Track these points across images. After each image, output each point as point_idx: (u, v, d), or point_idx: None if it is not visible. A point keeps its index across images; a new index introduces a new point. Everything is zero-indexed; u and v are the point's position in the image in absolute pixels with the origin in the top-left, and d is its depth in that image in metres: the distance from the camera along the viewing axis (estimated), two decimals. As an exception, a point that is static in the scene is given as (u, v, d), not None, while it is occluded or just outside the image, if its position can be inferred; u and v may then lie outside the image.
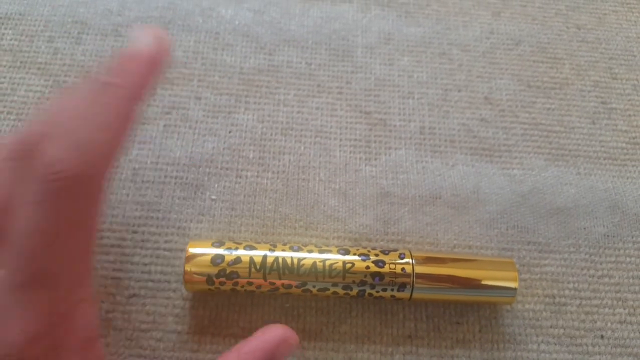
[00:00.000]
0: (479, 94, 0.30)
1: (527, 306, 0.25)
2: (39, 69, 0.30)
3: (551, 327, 0.25)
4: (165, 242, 0.25)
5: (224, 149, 0.28)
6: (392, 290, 0.23)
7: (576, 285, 0.26)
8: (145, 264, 0.25)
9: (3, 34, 0.31)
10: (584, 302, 0.25)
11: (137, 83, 0.17)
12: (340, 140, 0.29)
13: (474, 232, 0.27)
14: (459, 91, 0.30)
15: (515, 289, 0.23)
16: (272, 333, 0.20)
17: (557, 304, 0.25)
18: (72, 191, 0.15)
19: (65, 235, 0.15)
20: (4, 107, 0.28)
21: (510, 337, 0.25)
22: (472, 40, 0.32)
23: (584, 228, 0.27)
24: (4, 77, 0.29)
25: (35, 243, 0.15)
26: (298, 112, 0.29)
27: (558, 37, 0.33)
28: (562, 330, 0.25)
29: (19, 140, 0.16)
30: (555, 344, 0.24)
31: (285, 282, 0.23)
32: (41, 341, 0.15)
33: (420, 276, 0.23)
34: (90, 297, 0.17)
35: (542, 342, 0.24)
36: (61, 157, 0.15)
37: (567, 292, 0.26)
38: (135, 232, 0.25)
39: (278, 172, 0.28)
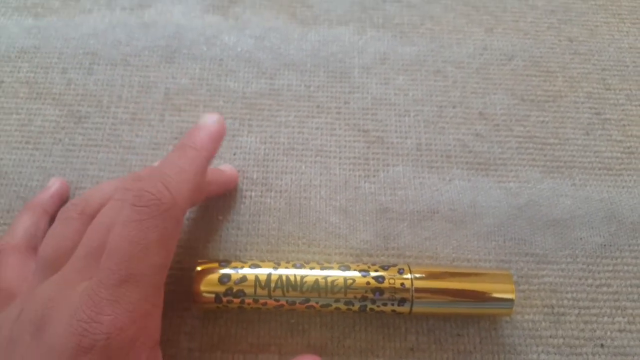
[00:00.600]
0: (473, 109, 0.31)
1: (526, 317, 0.26)
2: (54, 99, 0.31)
3: (551, 337, 0.25)
4: (176, 262, 0.26)
5: (229, 171, 0.29)
6: (393, 304, 0.24)
7: (574, 295, 0.26)
8: (156, 285, 0.26)
9: (20, 67, 0.32)
10: (582, 311, 0.26)
11: (207, 148, 0.23)
12: (340, 158, 0.29)
13: (472, 246, 0.27)
14: (454, 107, 0.31)
15: (512, 300, 0.24)
16: None
17: (556, 314, 0.26)
18: (161, 215, 0.19)
19: (154, 247, 0.19)
20: (22, 136, 0.30)
21: (510, 347, 0.25)
22: (465, 57, 0.33)
23: (581, 238, 0.27)
24: (22, 108, 0.31)
25: (131, 250, 0.19)
26: (299, 132, 0.30)
27: (551, 51, 0.33)
28: (561, 340, 0.25)
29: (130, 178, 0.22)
30: (555, 354, 0.25)
31: (289, 298, 0.23)
32: (125, 332, 0.18)
33: (419, 290, 0.24)
34: (161, 306, 0.20)
35: (542, 352, 0.25)
36: (159, 191, 0.19)
37: (565, 302, 0.26)
38: (146, 254, 0.26)
39: (281, 192, 0.28)
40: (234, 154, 0.29)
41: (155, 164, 0.25)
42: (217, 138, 0.23)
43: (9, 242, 0.24)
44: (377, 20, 0.34)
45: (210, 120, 0.24)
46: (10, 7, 0.34)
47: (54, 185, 0.27)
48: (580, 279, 0.26)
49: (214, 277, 0.24)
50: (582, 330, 0.25)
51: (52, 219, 0.26)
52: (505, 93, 0.32)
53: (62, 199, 0.28)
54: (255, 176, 0.29)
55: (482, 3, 0.35)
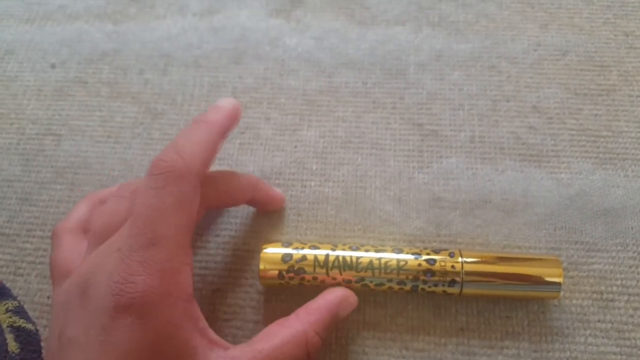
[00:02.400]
0: (527, 103, 0.34)
1: (574, 302, 0.28)
2: (132, 97, 0.37)
3: (599, 321, 0.28)
4: (243, 244, 0.31)
5: (290, 162, 0.33)
6: (443, 285, 0.27)
7: (624, 282, 0.29)
8: (227, 263, 0.30)
9: (102, 69, 0.38)
10: (632, 298, 0.28)
11: (219, 124, 0.26)
12: (395, 151, 0.33)
13: (523, 234, 0.30)
14: (508, 101, 0.34)
15: (559, 283, 0.26)
16: (335, 293, 0.27)
17: (604, 300, 0.28)
18: (176, 181, 0.23)
19: (172, 211, 0.22)
20: (105, 131, 0.35)
21: (558, 330, 0.28)
22: (520, 52, 0.36)
23: (632, 228, 0.30)
24: (104, 106, 0.36)
25: (152, 215, 0.22)
26: (355, 127, 0.34)
27: (606, 45, 0.36)
28: (610, 325, 0.28)
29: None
30: (603, 338, 0.27)
31: (346, 277, 0.27)
32: (157, 289, 0.21)
33: (469, 273, 0.27)
34: (191, 263, 0.24)
35: (589, 335, 0.27)
36: (173, 158, 0.23)
37: (615, 288, 0.28)
38: (217, 235, 0.31)
39: (338, 182, 0.33)
40: (295, 147, 0.34)
41: None
42: (230, 115, 0.27)
43: (64, 225, 0.28)
44: (432, 19, 0.38)
45: (224, 101, 0.27)
46: (92, 15, 0.41)
47: (117, 187, 0.31)
48: (630, 267, 0.29)
49: (277, 255, 0.28)
50: (632, 316, 0.28)
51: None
52: (559, 87, 0.34)
53: None
54: (314, 167, 0.33)
55: (537, 0, 0.38)
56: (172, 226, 0.22)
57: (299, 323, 0.25)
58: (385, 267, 0.27)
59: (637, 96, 0.34)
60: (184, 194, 0.23)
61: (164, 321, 0.21)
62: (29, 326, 0.28)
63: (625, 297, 0.28)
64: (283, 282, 0.28)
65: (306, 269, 0.27)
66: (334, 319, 0.26)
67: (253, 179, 0.30)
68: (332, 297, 0.26)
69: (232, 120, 0.27)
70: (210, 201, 0.27)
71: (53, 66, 0.38)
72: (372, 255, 0.28)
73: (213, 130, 0.26)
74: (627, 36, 0.36)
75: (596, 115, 0.33)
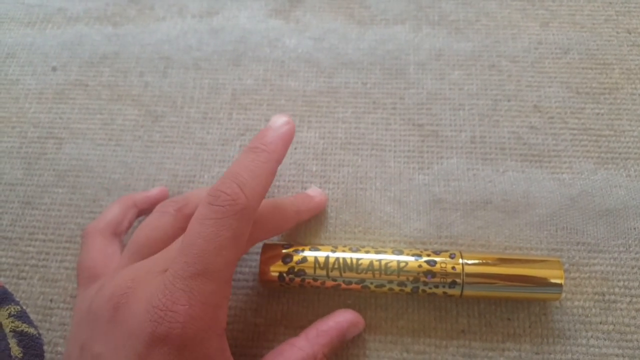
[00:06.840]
0: (528, 102, 0.34)
1: (576, 303, 0.28)
2: (133, 100, 0.37)
3: (601, 323, 0.28)
4: (243, 246, 0.31)
5: (290, 164, 0.33)
6: (444, 287, 0.27)
7: (626, 283, 0.28)
8: (227, 266, 0.30)
9: (102, 72, 0.38)
10: (634, 299, 0.28)
11: (278, 151, 0.25)
12: (395, 152, 0.33)
13: (524, 235, 0.30)
14: (509, 101, 0.34)
15: (561, 285, 0.26)
16: (345, 316, 0.27)
17: (606, 301, 0.28)
18: (235, 215, 0.22)
19: (227, 245, 0.22)
20: (106, 134, 0.36)
21: (559, 332, 0.28)
22: (520, 51, 0.36)
23: (634, 228, 0.30)
24: (104, 109, 0.37)
25: (206, 246, 0.21)
26: (355, 128, 0.34)
27: (608, 43, 0.35)
28: (611, 327, 0.27)
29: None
30: (605, 339, 0.27)
31: (346, 279, 0.27)
32: (198, 322, 0.21)
33: (470, 274, 0.27)
34: (229, 297, 0.23)
35: (591, 337, 0.27)
36: (235, 192, 0.22)
37: (617, 290, 0.28)
38: (217, 238, 0.31)
39: (338, 183, 0.32)
40: (295, 149, 0.34)
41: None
42: (288, 140, 0.25)
43: (95, 226, 0.28)
44: (432, 18, 0.38)
45: (280, 121, 0.26)
46: (92, 17, 0.41)
47: (155, 190, 0.32)
48: (632, 267, 0.29)
49: (277, 257, 0.28)
50: (634, 317, 0.28)
51: (139, 214, 0.31)
52: (560, 86, 0.34)
53: (156, 202, 0.31)
54: (314, 169, 0.33)
55: (538, -3, 0.38)
56: (223, 260, 0.22)
57: (309, 345, 0.25)
58: (385, 269, 0.27)
59: (640, 94, 0.33)
60: (239, 229, 0.22)
61: (200, 355, 0.21)
62: (32, 330, 0.28)
63: (628, 299, 0.28)
64: (283, 284, 0.28)
65: (306, 270, 0.28)
66: (342, 342, 0.27)
67: (296, 205, 0.29)
68: (342, 320, 0.27)
69: (289, 142, 0.26)
70: (257, 238, 0.26)
71: (54, 69, 0.38)
72: (373, 256, 0.28)
73: (273, 159, 0.24)
74: (630, 33, 0.36)
75: (598, 114, 0.33)
